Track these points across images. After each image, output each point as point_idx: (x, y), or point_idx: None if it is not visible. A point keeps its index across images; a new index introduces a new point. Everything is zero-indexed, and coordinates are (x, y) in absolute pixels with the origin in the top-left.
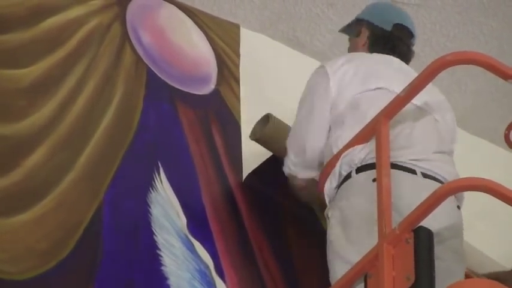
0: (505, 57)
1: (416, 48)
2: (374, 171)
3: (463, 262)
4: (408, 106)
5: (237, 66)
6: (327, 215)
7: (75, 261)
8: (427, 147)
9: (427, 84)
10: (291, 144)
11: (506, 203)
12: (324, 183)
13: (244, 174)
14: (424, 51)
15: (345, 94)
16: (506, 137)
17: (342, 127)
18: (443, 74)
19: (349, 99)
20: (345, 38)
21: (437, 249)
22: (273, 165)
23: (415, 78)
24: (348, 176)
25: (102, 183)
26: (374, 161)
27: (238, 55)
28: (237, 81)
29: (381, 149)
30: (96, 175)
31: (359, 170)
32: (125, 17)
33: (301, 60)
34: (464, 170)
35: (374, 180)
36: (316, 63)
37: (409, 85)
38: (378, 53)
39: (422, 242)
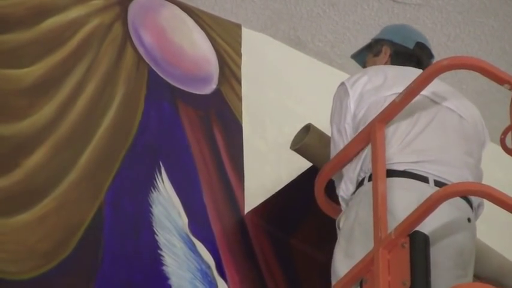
0: (506, 58)
1: None
2: (388, 180)
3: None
4: (428, 103)
5: (239, 66)
6: (338, 225)
7: (76, 261)
8: (445, 148)
9: (423, 88)
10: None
11: (503, 208)
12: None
13: (246, 175)
14: None
15: (364, 103)
16: (502, 141)
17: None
18: (445, 74)
19: (367, 106)
20: (345, 37)
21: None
22: (279, 202)
23: (412, 83)
24: (361, 183)
25: (103, 183)
26: (395, 168)
27: (239, 55)
28: (239, 80)
29: (376, 155)
30: (97, 175)
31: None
32: (126, 16)
33: (303, 60)
34: None
35: None
36: (317, 63)
37: (405, 89)
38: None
39: (418, 247)
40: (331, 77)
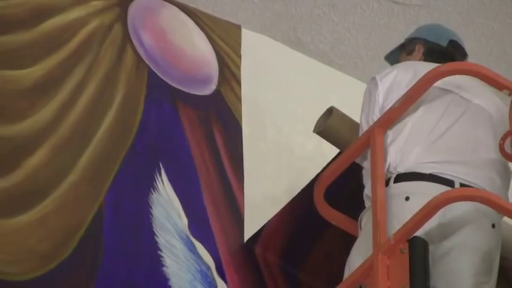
0: (506, 59)
1: None
2: (413, 184)
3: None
4: (456, 98)
5: (238, 67)
6: (360, 223)
7: (76, 262)
8: (473, 147)
9: (422, 94)
10: None
11: (502, 213)
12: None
13: (245, 175)
14: None
15: (392, 96)
16: (501, 146)
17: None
18: None
19: (395, 99)
20: (345, 38)
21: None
22: (283, 228)
23: (410, 89)
24: (386, 183)
25: (103, 184)
26: (422, 170)
27: (239, 56)
28: (238, 81)
29: (375, 160)
30: (97, 176)
31: (399, 178)
32: (126, 17)
33: (302, 61)
34: None
35: (407, 198)
36: (317, 64)
37: (403, 95)
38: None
39: (418, 252)
40: (331, 77)
